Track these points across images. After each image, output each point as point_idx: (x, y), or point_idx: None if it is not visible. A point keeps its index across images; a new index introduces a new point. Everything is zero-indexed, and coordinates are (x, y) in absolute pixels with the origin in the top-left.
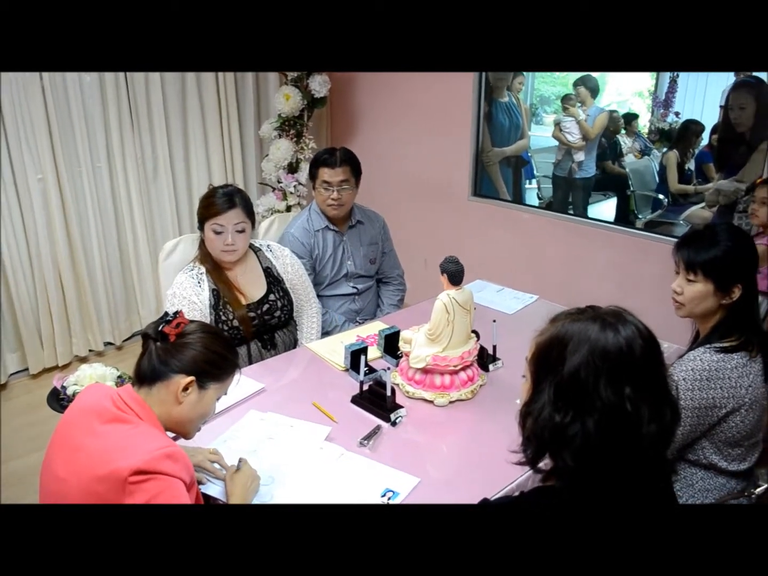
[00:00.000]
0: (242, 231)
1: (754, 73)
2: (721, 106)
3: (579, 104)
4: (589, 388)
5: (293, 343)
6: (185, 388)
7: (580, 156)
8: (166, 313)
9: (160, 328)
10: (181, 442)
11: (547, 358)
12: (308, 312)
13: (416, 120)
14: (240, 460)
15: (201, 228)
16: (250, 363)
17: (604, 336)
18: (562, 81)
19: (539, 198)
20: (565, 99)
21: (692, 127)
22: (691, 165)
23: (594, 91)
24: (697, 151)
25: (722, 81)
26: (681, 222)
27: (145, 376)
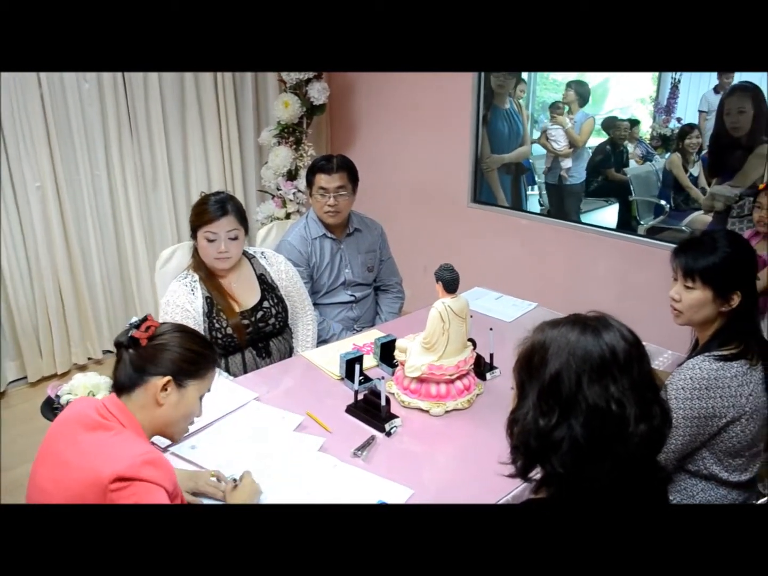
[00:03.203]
0: (235, 238)
1: (748, 78)
2: (700, 111)
3: (566, 109)
4: (572, 390)
5: (288, 351)
6: (164, 389)
7: (567, 163)
8: (136, 319)
9: (130, 334)
10: (182, 464)
11: (530, 364)
12: (303, 319)
13: (415, 127)
14: (243, 475)
15: (194, 236)
16: (245, 371)
17: (584, 339)
18: (563, 88)
19: (541, 204)
20: (553, 107)
21: (688, 131)
22: (693, 170)
23: (583, 98)
24: (698, 157)
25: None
26: (683, 227)
27: (123, 385)
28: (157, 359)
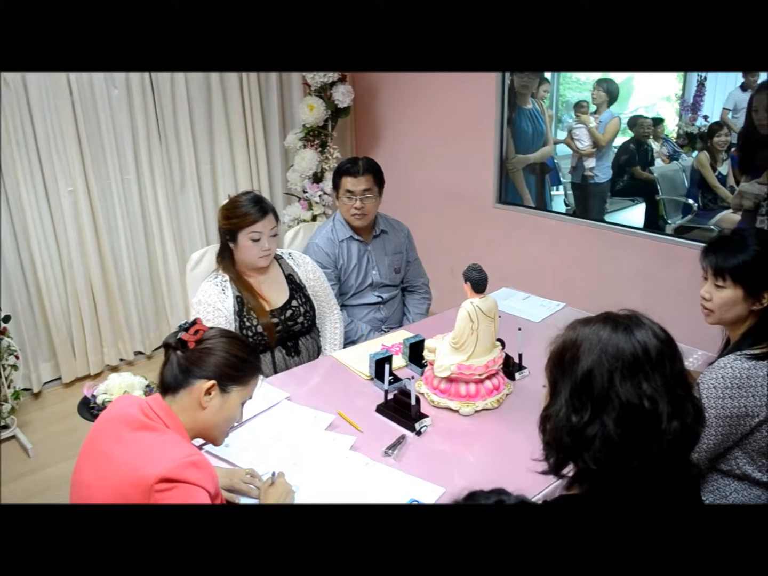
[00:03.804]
0: (275, 235)
1: None
2: (724, 108)
3: (594, 109)
4: (605, 387)
5: (317, 351)
6: (207, 393)
7: (591, 162)
8: (186, 322)
9: (178, 336)
10: (216, 462)
11: (562, 362)
12: (330, 319)
13: (440, 128)
14: (274, 474)
15: (232, 239)
16: (275, 370)
17: (616, 336)
18: (587, 87)
19: (566, 204)
20: (578, 106)
21: (716, 129)
22: (722, 169)
23: (612, 96)
24: (727, 155)
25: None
26: (712, 227)
27: (168, 385)
28: (203, 363)
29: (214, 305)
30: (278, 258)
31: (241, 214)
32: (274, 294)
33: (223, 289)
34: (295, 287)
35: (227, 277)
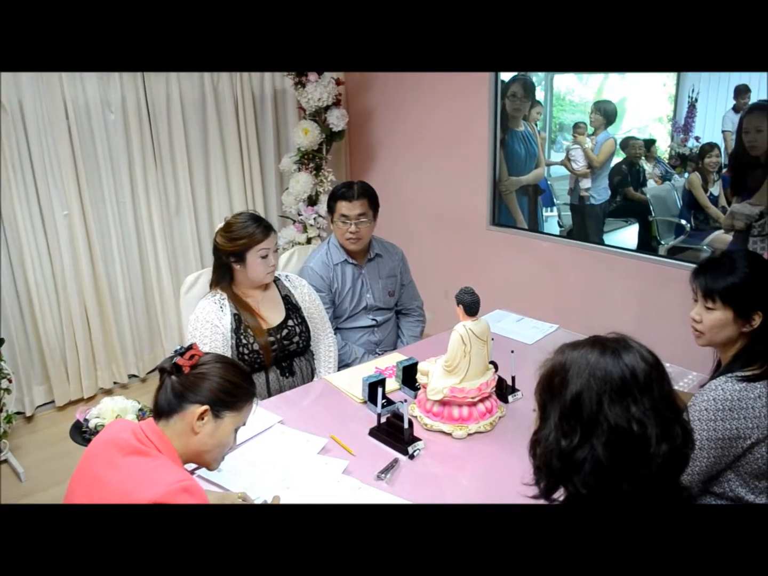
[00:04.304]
0: (277, 250)
1: (764, 97)
2: (723, 131)
3: (591, 131)
4: (594, 411)
5: (311, 373)
6: (200, 418)
7: (586, 183)
8: (181, 346)
9: (174, 361)
10: (208, 487)
11: (551, 386)
12: (325, 342)
13: (433, 151)
14: (273, 499)
15: (239, 259)
16: (269, 390)
17: (604, 360)
18: (581, 109)
19: (560, 226)
20: (576, 127)
21: (708, 150)
22: (714, 189)
23: (609, 118)
24: (718, 176)
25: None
26: (704, 247)
27: (162, 410)
28: (197, 387)
29: (212, 322)
30: (275, 279)
31: (247, 235)
32: (271, 313)
33: (221, 307)
34: (292, 308)
35: (225, 296)
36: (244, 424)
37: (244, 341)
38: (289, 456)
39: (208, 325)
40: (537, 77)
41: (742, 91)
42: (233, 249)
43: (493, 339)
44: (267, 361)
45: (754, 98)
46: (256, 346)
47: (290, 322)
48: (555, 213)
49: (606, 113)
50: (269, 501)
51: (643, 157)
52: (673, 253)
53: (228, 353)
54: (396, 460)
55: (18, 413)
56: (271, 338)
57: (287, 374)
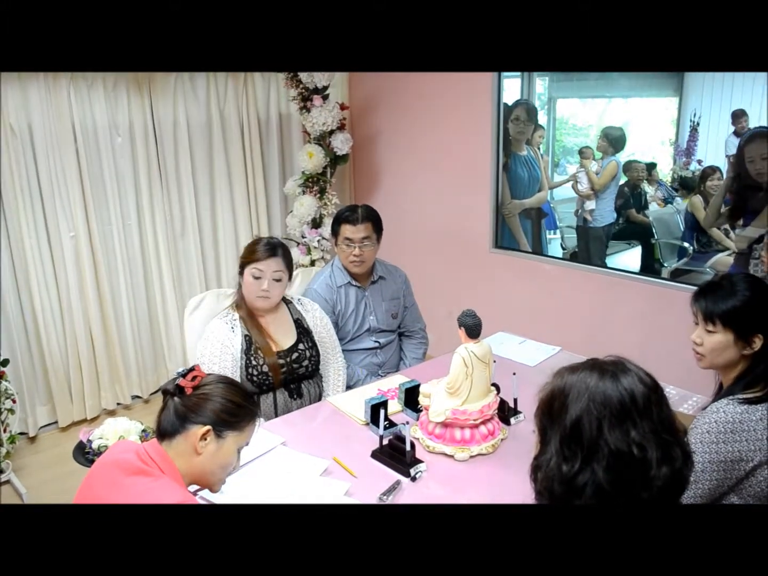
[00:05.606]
0: (279, 280)
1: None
2: (727, 156)
3: (599, 155)
4: (594, 435)
5: (318, 395)
6: (203, 438)
7: (590, 205)
8: (184, 368)
9: (176, 383)
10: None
11: (550, 410)
12: (334, 365)
13: (437, 174)
14: None
15: (241, 273)
16: (276, 411)
17: (603, 384)
18: (584, 132)
19: (563, 248)
20: (581, 152)
21: (710, 173)
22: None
23: (616, 144)
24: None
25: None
26: (707, 269)
27: (165, 431)
28: (199, 408)
29: (221, 341)
30: (288, 302)
31: (251, 251)
32: (282, 336)
33: (232, 328)
34: (303, 331)
35: (237, 316)
36: (247, 444)
37: (253, 362)
38: (291, 478)
39: (218, 345)
40: (540, 101)
41: (738, 115)
42: (240, 261)
43: (495, 361)
44: (276, 382)
45: (752, 123)
46: (265, 368)
47: (301, 346)
48: (558, 236)
49: (614, 140)
50: None
51: (645, 180)
52: (676, 275)
53: (237, 373)
54: (398, 482)
55: (21, 434)
56: (281, 360)
57: (295, 396)
